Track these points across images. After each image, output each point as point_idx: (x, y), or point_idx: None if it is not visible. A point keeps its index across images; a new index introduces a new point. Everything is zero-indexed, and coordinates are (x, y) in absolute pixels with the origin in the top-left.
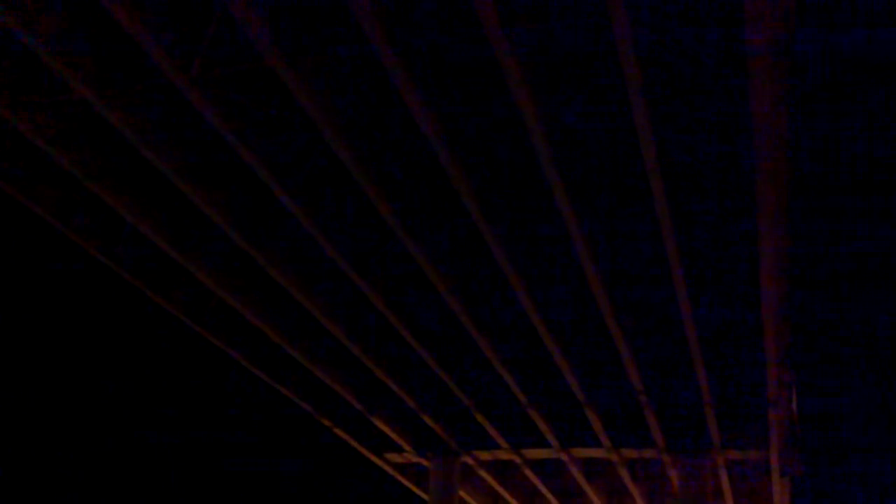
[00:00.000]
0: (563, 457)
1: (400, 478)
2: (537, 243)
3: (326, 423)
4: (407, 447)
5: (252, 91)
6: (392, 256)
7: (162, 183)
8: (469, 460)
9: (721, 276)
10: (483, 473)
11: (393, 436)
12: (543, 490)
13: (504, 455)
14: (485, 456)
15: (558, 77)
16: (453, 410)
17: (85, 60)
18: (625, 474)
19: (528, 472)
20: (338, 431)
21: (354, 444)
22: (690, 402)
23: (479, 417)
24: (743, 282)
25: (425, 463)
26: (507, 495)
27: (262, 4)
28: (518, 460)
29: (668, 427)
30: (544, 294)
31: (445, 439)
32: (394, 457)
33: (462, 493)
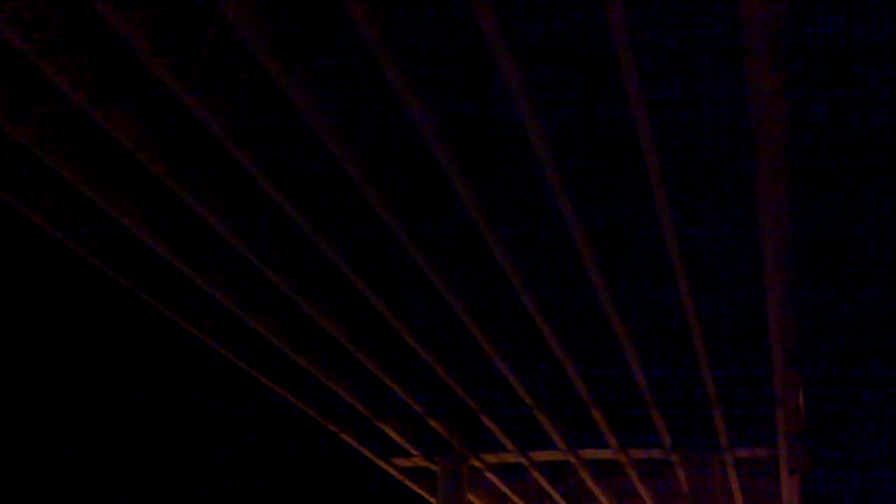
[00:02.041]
0: (571, 458)
1: (407, 482)
2: (540, 244)
3: (333, 428)
4: (414, 451)
5: (251, 97)
6: (394, 260)
7: (162, 191)
8: (476, 463)
9: (725, 274)
10: (490, 476)
11: (400, 440)
12: (551, 492)
13: (511, 457)
14: (492, 458)
15: (555, 72)
16: (460, 413)
17: (83, 69)
18: (633, 475)
19: (536, 475)
20: (344, 436)
21: (361, 448)
22: (697, 401)
23: (486, 420)
24: (747, 279)
25: (433, 467)
26: (515, 498)
27: (260, 10)
28: (525, 462)
29: (676, 427)
30: (548, 295)
31: (452, 442)
32: (401, 461)
33: (470, 497)
